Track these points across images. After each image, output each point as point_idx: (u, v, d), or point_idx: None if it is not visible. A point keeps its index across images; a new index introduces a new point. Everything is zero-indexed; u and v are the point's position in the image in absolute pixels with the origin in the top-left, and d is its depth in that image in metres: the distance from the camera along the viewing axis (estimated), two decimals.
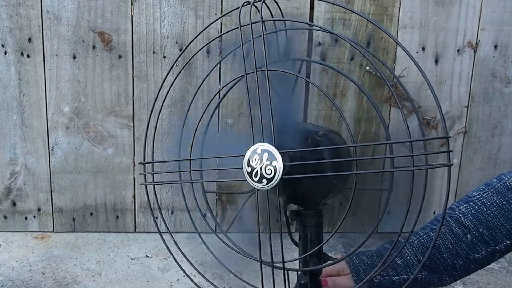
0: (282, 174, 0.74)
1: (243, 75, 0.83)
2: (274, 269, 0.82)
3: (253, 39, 0.83)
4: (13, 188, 1.61)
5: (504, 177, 1.03)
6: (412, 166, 0.72)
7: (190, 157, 0.92)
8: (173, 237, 0.95)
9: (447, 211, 1.07)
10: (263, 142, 0.77)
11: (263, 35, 0.83)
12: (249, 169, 0.77)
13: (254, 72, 0.82)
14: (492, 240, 1.00)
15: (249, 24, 0.84)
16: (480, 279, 1.44)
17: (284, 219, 0.97)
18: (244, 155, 0.78)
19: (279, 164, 0.74)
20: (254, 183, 0.76)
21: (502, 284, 1.43)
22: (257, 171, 0.76)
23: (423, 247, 1.04)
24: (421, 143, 0.73)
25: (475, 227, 1.00)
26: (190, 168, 0.90)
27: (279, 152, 0.75)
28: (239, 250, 0.90)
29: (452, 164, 0.72)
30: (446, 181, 1.30)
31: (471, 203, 1.03)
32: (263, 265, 0.84)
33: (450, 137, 0.73)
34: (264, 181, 0.75)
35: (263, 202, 0.79)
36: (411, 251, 1.05)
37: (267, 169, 0.75)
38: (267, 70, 0.80)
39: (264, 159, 0.75)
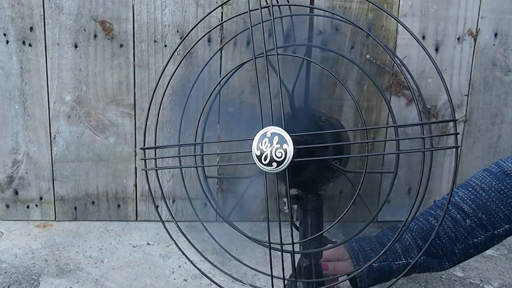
0: (292, 158, 0.75)
1: (252, 58, 0.83)
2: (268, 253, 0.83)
3: (262, 22, 0.83)
4: (15, 177, 1.62)
5: (502, 163, 1.04)
6: (423, 147, 0.73)
7: (196, 141, 0.92)
8: (177, 225, 0.95)
9: (446, 196, 1.08)
10: (273, 125, 0.77)
11: (273, 18, 0.83)
12: (258, 153, 0.77)
13: (263, 55, 0.82)
14: (491, 225, 1.01)
15: (258, 9, 0.83)
16: (479, 265, 1.45)
17: (286, 204, 0.98)
18: (253, 139, 0.78)
19: (289, 147, 0.75)
20: (263, 166, 0.77)
21: (501, 270, 1.44)
22: (267, 154, 0.76)
23: (422, 232, 1.05)
24: (418, 129, 0.74)
25: (473, 212, 1.01)
26: (195, 152, 0.90)
27: (290, 136, 0.75)
28: (247, 235, 0.90)
29: (459, 146, 0.73)
30: (453, 165, 1.29)
31: (470, 189, 1.04)
32: (265, 250, 0.85)
33: (457, 120, 0.74)
34: (274, 164, 0.76)
35: (269, 186, 0.79)
36: (410, 237, 1.06)
37: (277, 152, 0.75)
38: (277, 54, 0.79)
39: (275, 143, 0.76)
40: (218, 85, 0.90)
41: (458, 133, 0.73)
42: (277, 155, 0.75)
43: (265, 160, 0.76)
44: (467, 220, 1.02)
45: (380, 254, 0.78)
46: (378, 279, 1.09)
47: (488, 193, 1.01)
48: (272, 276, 0.84)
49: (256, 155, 0.77)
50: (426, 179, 0.76)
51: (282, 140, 0.75)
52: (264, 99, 0.81)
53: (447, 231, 1.03)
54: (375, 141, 0.78)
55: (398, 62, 0.79)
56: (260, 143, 0.77)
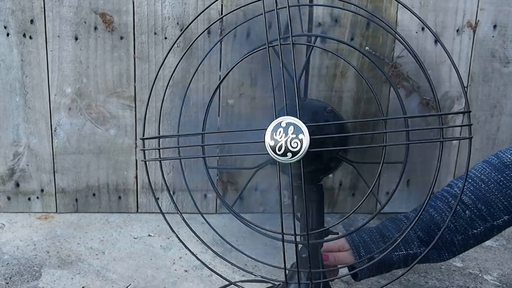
0: (308, 148, 0.75)
1: (265, 45, 0.82)
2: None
3: (277, 9, 0.82)
4: (16, 169, 1.62)
5: (501, 154, 1.04)
6: (441, 137, 0.74)
7: (203, 130, 0.92)
8: (182, 217, 0.96)
9: (445, 187, 1.09)
10: (287, 115, 0.76)
11: (288, 7, 0.82)
12: (272, 143, 0.76)
13: (277, 44, 0.81)
14: (490, 216, 1.01)
15: None
16: (478, 256, 1.46)
17: (286, 196, 0.99)
18: (266, 129, 0.78)
19: (305, 137, 0.74)
20: (277, 156, 0.76)
21: (500, 261, 1.45)
22: (281, 145, 0.75)
23: (422, 223, 1.05)
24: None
25: (473, 203, 1.02)
26: (202, 142, 0.90)
27: (306, 126, 0.75)
28: (262, 227, 0.90)
29: (472, 137, 0.74)
30: (454, 158, 1.29)
31: (470, 180, 1.04)
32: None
33: (470, 111, 0.75)
34: (289, 154, 0.75)
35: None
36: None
37: (292, 142, 0.75)
38: (293, 43, 0.79)
39: (290, 133, 0.75)
40: (222, 73, 0.90)
41: (472, 124, 0.74)
42: (293, 145, 0.75)
43: (279, 151, 0.76)
44: (467, 211, 1.02)
45: (384, 253, 0.79)
46: (378, 270, 1.09)
47: (488, 184, 1.01)
48: (285, 269, 0.84)
49: (269, 145, 0.77)
50: (435, 170, 0.77)
51: (297, 130, 0.75)
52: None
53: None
54: (392, 132, 0.78)
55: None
56: (274, 133, 0.76)
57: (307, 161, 0.77)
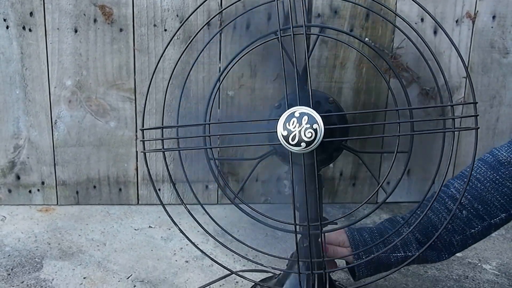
0: (323, 138, 0.75)
1: (273, 34, 0.81)
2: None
3: None
4: (17, 162, 1.63)
5: (496, 152, 1.05)
6: (453, 127, 0.76)
7: (209, 121, 0.91)
8: (187, 208, 0.96)
9: (443, 188, 1.09)
10: (300, 105, 0.77)
11: None
12: (285, 133, 0.77)
13: (289, 34, 0.80)
14: (487, 214, 1.02)
15: None
16: (477, 245, 1.46)
17: (286, 186, 0.99)
18: (278, 119, 0.78)
19: (320, 127, 0.75)
20: (290, 146, 0.76)
21: (499, 250, 1.46)
22: (295, 135, 0.76)
23: (419, 225, 1.05)
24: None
25: (470, 203, 1.02)
26: (209, 133, 0.90)
27: (320, 116, 0.75)
28: (274, 218, 0.90)
29: (479, 128, 0.75)
30: (453, 148, 1.31)
31: (465, 180, 1.04)
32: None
33: (477, 102, 0.76)
34: (303, 144, 0.75)
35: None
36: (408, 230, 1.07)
37: (307, 132, 0.75)
38: (306, 33, 0.78)
39: (304, 122, 0.75)
40: (222, 65, 0.90)
41: (478, 115, 0.75)
42: (307, 135, 0.75)
43: (292, 141, 0.76)
44: (464, 211, 1.03)
45: (380, 252, 0.79)
46: (376, 269, 1.10)
47: (484, 183, 1.02)
48: (298, 260, 0.85)
49: (282, 135, 0.77)
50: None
51: (312, 120, 0.75)
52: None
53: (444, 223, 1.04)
54: (404, 122, 0.79)
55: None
56: (287, 124, 0.76)
57: (317, 151, 0.78)
